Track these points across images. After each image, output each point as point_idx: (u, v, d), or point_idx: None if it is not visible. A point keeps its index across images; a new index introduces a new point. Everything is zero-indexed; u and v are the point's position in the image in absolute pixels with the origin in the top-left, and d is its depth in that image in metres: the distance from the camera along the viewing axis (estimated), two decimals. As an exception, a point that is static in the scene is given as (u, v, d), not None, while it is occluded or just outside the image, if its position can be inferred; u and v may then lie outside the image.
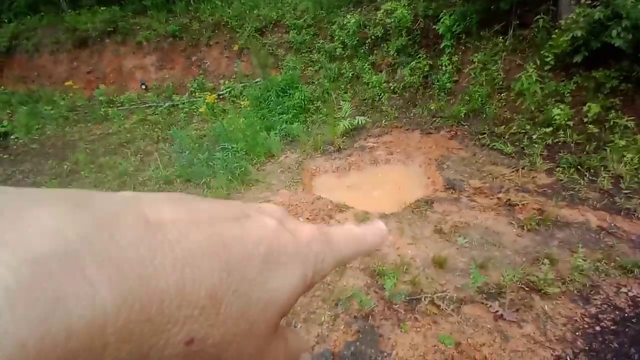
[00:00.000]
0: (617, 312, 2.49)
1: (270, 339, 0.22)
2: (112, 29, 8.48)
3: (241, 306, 0.19)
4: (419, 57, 6.09)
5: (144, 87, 8.05)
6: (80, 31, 8.62)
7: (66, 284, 0.14)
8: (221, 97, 7.14)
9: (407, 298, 2.63)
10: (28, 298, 0.13)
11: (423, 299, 2.61)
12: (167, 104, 7.34)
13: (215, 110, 6.44)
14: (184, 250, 0.17)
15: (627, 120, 4.18)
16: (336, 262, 0.25)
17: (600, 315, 2.47)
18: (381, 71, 6.39)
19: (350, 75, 6.56)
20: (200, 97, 7.12)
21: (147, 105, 7.48)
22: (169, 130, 6.20)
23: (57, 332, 0.13)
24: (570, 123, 4.48)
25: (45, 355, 0.13)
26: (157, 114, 7.11)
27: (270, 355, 0.22)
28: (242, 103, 6.50)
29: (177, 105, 7.32)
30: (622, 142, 4.02)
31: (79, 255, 0.14)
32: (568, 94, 4.66)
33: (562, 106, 4.53)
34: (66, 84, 8.21)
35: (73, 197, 0.16)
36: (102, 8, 9.09)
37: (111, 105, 7.65)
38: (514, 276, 2.72)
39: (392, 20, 6.19)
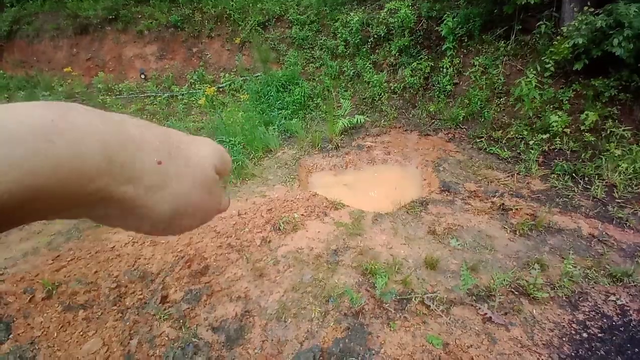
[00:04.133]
0: (604, 320, 2.51)
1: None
2: (113, 17, 8.40)
3: (186, 156, 0.34)
4: (421, 58, 6.09)
5: (143, 76, 7.98)
6: (81, 18, 8.53)
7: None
8: (221, 89, 7.10)
9: (398, 297, 2.64)
10: None
11: (413, 299, 2.62)
12: (166, 95, 7.29)
13: (214, 103, 6.41)
14: (138, 127, 0.31)
15: (624, 130, 4.21)
16: None
17: (587, 322, 2.50)
18: (382, 71, 6.38)
19: (352, 73, 6.55)
20: (199, 89, 7.08)
21: (145, 95, 7.43)
22: (167, 121, 6.17)
23: None
24: (567, 130, 4.50)
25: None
26: (156, 104, 7.06)
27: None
28: (241, 97, 6.47)
29: (176, 96, 7.27)
30: (618, 152, 4.05)
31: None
32: (566, 101, 4.67)
33: (560, 113, 4.55)
34: (65, 70, 8.10)
35: None
36: (104, -5, 9.00)
37: (109, 94, 7.58)
38: (504, 280, 2.74)
39: (396, 19, 6.17)
